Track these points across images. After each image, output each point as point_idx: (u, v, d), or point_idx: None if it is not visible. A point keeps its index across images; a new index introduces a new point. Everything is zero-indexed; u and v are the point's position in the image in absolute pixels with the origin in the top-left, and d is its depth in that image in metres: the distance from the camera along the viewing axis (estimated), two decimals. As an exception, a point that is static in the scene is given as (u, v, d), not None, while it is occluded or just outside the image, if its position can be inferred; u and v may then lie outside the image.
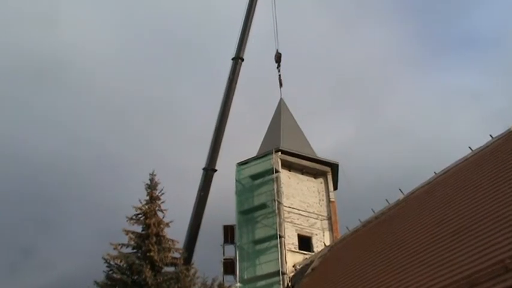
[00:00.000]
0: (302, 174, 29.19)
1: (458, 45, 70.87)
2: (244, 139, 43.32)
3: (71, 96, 60.08)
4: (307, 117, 56.49)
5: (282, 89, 33.41)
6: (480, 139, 18.92)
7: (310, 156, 29.64)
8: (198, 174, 29.40)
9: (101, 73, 60.08)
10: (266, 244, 26.11)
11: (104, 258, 21.39)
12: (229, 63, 31.49)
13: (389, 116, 60.00)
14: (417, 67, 65.98)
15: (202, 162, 29.59)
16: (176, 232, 23.92)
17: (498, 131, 18.47)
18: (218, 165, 29.55)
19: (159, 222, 22.50)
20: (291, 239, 26.54)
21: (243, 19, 33.27)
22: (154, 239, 21.83)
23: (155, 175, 23.77)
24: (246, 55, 31.82)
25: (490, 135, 18.79)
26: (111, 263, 21.40)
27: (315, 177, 29.34)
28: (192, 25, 58.97)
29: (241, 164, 28.99)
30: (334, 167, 29.58)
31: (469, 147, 19.34)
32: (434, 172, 20.32)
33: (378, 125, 60.74)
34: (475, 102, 57.96)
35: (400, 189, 21.67)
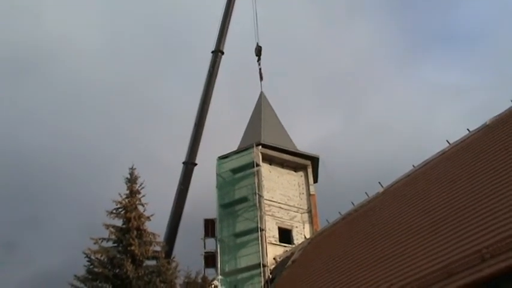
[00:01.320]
0: (282, 167, 29.35)
1: (442, 41, 71.65)
2: (224, 133, 43.34)
3: (52, 89, 59.43)
4: (292, 112, 57.30)
5: (262, 82, 33.48)
6: (462, 134, 19.19)
7: (290, 149, 29.79)
8: (179, 169, 29.47)
9: (85, 66, 59.59)
10: (247, 237, 26.23)
11: (85, 253, 21.39)
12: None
13: (373, 112, 60.76)
14: (402, 63, 66.54)
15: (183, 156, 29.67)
16: (157, 226, 23.96)
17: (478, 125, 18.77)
18: (199, 159, 29.65)
19: (140, 216, 22.53)
20: (271, 232, 26.71)
21: (223, 11, 33.27)
22: (135, 232, 21.86)
23: (135, 169, 23.80)
24: (229, 49, 31.81)
25: (467, 129, 19.12)
26: (92, 257, 21.39)
27: (295, 171, 29.52)
28: (181, 20, 58.44)
29: (222, 157, 28.99)
30: (314, 161, 29.79)
31: (447, 141, 19.67)
32: (413, 165, 20.62)
33: (362, 121, 61.46)
34: (457, 98, 58.83)
35: (379, 183, 21.97)
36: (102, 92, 60.07)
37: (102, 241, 21.81)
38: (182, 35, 56.87)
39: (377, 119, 58.51)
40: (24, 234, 54.28)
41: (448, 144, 19.54)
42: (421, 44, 69.79)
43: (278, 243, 26.70)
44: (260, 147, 28.43)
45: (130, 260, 21.15)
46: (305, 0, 67.91)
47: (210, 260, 26.26)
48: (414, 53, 69.83)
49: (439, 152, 19.63)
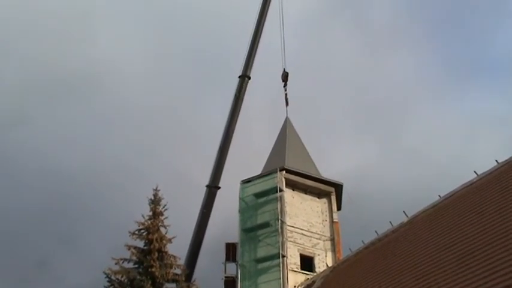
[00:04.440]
0: (306, 193, 29.11)
1: (482, 70, 71.01)
2: (248, 157, 43.30)
3: (91, 110, 61.28)
4: (329, 139, 57.49)
5: (288, 107, 33.53)
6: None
7: (314, 175, 29.58)
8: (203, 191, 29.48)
9: (124, 88, 61.52)
10: (268, 263, 25.95)
11: (105, 273, 21.41)
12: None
13: (410, 140, 60.07)
14: (441, 92, 65.89)
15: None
16: (178, 248, 23.90)
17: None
18: (222, 183, 29.62)
19: (162, 238, 22.54)
20: (293, 259, 26.38)
21: (251, 37, 33.59)
22: (156, 254, 21.84)
23: (159, 190, 23.90)
24: (259, 73, 32.05)
25: (496, 161, 18.76)
26: (112, 277, 21.39)
27: (318, 197, 29.25)
28: (219, 44, 59.56)
29: (245, 181, 28.94)
30: (338, 188, 29.50)
31: (475, 172, 19.31)
32: (439, 195, 20.25)
33: (399, 149, 60.78)
34: (497, 127, 57.69)
35: (404, 212, 21.61)
36: (140, 113, 61.74)
37: (123, 262, 21.85)
38: (220, 58, 57.83)
39: (414, 148, 57.87)
40: (59, 253, 55.02)
41: (476, 175, 19.17)
42: (461, 73, 69.26)
43: (299, 270, 26.31)
44: (284, 172, 28.32)
45: (150, 282, 21.11)
46: (349, 27, 68.50)
47: (230, 284, 26.03)
48: (453, 82, 69.27)
49: (466, 183, 19.26)
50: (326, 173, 30.64)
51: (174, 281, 22.21)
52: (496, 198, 16.09)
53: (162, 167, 56.80)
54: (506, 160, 18.26)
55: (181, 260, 23.96)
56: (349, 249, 24.29)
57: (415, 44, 70.65)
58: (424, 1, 71.31)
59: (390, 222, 22.05)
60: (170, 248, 22.76)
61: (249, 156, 42.82)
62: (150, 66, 64.52)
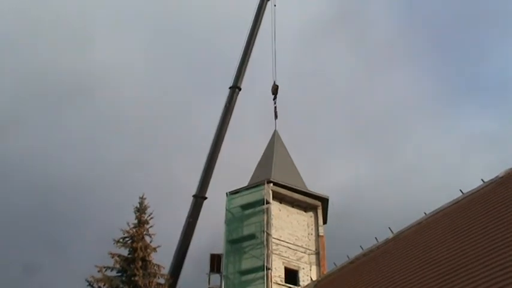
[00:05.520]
0: (293, 207, 29.12)
1: (477, 90, 71.77)
2: (238, 168, 43.24)
3: (89, 116, 61.17)
4: (323, 154, 57.73)
5: (277, 120, 33.67)
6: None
7: (301, 189, 29.62)
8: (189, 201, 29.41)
9: (122, 95, 61.47)
10: (252, 275, 25.85)
11: (87, 281, 21.23)
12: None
13: (403, 158, 60.51)
14: (437, 112, 66.35)
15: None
16: (163, 257, 23.76)
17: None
18: (211, 193, 29.59)
19: (146, 247, 22.41)
20: (277, 272, 26.31)
21: (243, 49, 33.79)
22: (140, 263, 21.70)
23: (145, 198, 23.79)
24: (250, 85, 32.25)
25: (482, 180, 18.94)
26: (94, 285, 21.21)
27: (305, 211, 29.26)
28: (217, 53, 59.86)
29: (232, 193, 28.90)
30: (324, 202, 29.55)
31: (460, 190, 19.45)
32: (425, 213, 20.37)
33: (391, 166, 61.09)
34: (489, 147, 58.13)
35: (389, 228, 21.68)
36: (136, 121, 61.66)
37: (106, 270, 21.68)
38: (214, 67, 58.10)
39: (406, 166, 58.32)
40: (49, 259, 54.42)
41: (461, 194, 19.33)
42: (455, 93, 69.92)
43: (284, 283, 26.24)
44: (271, 184, 28.33)
45: (132, 291, 20.94)
46: (346, 44, 69.10)
47: (213, 296, 25.90)
48: (448, 102, 69.75)
49: (452, 201, 19.40)
50: (317, 188, 30.70)
51: (157, 290, 22.05)
52: (480, 217, 16.23)
53: (152, 175, 56.60)
54: (492, 179, 18.44)
55: (166, 270, 23.83)
56: (334, 263, 24.30)
57: (410, 62, 71.34)
58: (420, 21, 72.09)
59: (376, 238, 22.13)
60: (155, 257, 22.65)
61: (239, 168, 42.82)
62: (144, 73, 64.63)
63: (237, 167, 43.04)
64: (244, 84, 32.96)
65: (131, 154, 59.25)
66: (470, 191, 18.98)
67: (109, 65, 61.98)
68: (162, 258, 23.75)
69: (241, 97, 32.74)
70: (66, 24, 62.33)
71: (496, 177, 18.30)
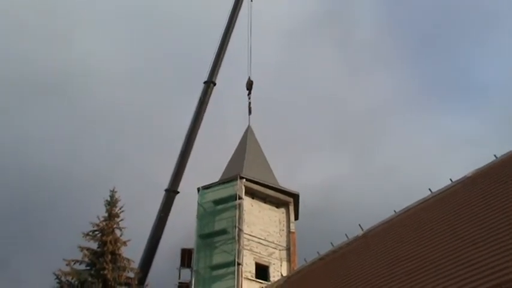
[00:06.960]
0: (265, 203, 29.19)
1: (459, 91, 72.78)
2: (208, 164, 43.12)
3: (70, 111, 60.52)
4: (302, 151, 57.86)
5: (250, 116, 33.65)
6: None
7: (272, 185, 29.71)
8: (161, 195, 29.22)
9: (103, 90, 60.90)
10: (223, 270, 25.85)
11: (55, 274, 20.95)
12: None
13: (382, 156, 60.82)
14: (418, 111, 67.05)
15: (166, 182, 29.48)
16: (133, 251, 23.57)
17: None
18: (184, 188, 29.46)
19: (116, 240, 22.22)
20: (248, 267, 26.37)
21: (219, 44, 33.70)
22: (109, 257, 21.51)
23: (116, 192, 23.56)
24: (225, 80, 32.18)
25: (450, 179, 19.31)
26: (62, 279, 20.94)
27: (277, 207, 29.37)
28: (197, 50, 59.64)
29: (204, 188, 28.81)
30: (296, 198, 29.71)
31: (429, 189, 19.79)
32: (394, 211, 20.67)
33: (370, 164, 61.52)
34: (468, 147, 59.13)
35: (359, 225, 21.93)
36: (116, 116, 61.35)
37: (74, 263, 21.42)
38: (197, 65, 58.15)
39: (384, 165, 58.78)
40: (22, 254, 53.51)
41: (429, 192, 19.66)
42: (437, 94, 70.77)
43: (254, 278, 26.31)
44: (244, 180, 28.34)
45: (101, 285, 20.76)
46: (331, 44, 69.40)
47: (183, 290, 25.82)
48: (430, 102, 70.56)
49: (420, 200, 19.73)
50: (292, 185, 30.77)
51: (126, 284, 21.92)
52: (448, 216, 16.55)
53: (125, 169, 56.30)
54: (460, 179, 18.82)
55: (135, 264, 23.68)
56: (304, 259, 24.45)
57: (393, 63, 72.19)
58: (405, 22, 73.15)
59: (346, 234, 22.36)
60: (125, 251, 22.46)
61: (212, 163, 42.74)
62: (124, 72, 64.16)
63: (210, 162, 43.02)
64: (221, 79, 32.95)
65: (104, 149, 58.81)
66: (438, 191, 19.34)
67: (87, 62, 61.63)
68: (133, 252, 23.62)
69: (217, 92, 32.73)
70: (48, 20, 61.73)
71: (464, 177, 18.69)
